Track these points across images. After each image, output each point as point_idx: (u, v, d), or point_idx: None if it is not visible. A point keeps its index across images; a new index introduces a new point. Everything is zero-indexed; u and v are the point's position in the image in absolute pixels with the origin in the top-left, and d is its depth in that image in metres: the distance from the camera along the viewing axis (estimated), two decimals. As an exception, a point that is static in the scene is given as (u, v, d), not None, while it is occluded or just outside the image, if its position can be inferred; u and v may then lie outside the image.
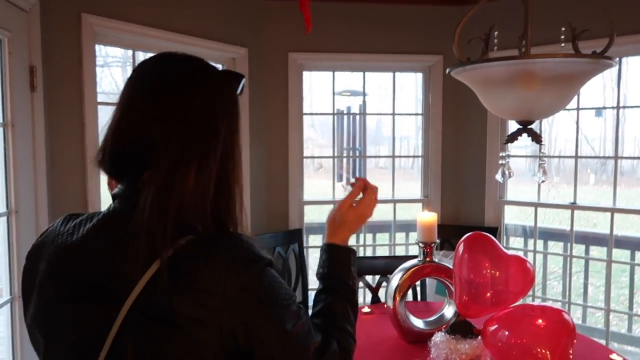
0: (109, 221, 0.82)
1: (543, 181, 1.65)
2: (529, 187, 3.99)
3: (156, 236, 0.73)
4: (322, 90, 4.01)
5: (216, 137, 0.81)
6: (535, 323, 1.61)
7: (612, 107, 3.12)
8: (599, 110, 9.50)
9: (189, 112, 0.80)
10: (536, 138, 1.35)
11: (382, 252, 4.09)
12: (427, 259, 1.95)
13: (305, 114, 3.43)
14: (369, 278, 2.67)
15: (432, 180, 3.55)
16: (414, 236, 4.13)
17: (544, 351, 1.52)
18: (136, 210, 0.76)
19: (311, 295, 3.58)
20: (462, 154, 3.54)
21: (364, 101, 3.67)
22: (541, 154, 1.75)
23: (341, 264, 1.00)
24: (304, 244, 3.43)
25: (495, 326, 1.66)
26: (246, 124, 3.17)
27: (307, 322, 0.85)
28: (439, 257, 2.03)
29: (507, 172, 1.44)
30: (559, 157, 11.26)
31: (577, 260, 3.46)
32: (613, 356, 1.79)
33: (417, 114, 3.62)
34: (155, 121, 0.79)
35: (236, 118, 0.86)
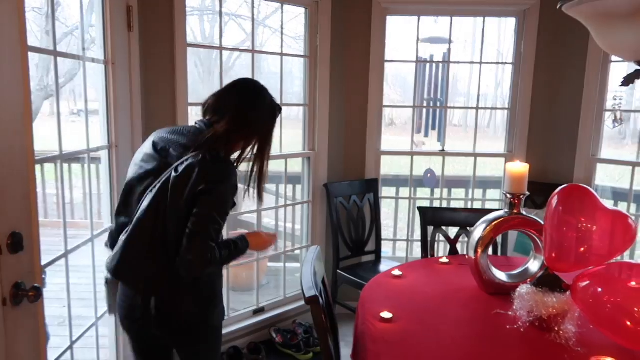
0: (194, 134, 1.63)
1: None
2: (619, 150, 3.67)
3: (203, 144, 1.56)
4: (402, 38, 3.84)
5: (253, 129, 1.67)
6: (632, 282, 1.51)
7: None
8: None
9: (247, 111, 1.66)
10: (657, 81, 1.21)
11: (458, 206, 3.99)
12: (515, 211, 1.88)
13: (387, 61, 3.33)
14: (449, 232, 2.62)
15: (518, 134, 3.36)
16: (491, 193, 4.01)
17: (640, 310, 1.43)
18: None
19: (387, 244, 3.62)
20: (553, 106, 3.31)
21: (449, 49, 3.48)
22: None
23: (240, 244, 1.65)
24: (379, 194, 3.42)
25: (588, 282, 1.58)
26: (327, 70, 3.14)
27: (219, 227, 1.53)
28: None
29: (619, 117, 1.32)
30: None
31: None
32: None
33: (505, 63, 3.39)
34: (228, 107, 1.65)
35: (271, 128, 1.73)
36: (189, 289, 1.56)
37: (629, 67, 3.24)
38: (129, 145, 2.20)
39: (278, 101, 1.76)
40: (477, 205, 3.70)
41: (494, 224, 1.87)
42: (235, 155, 1.66)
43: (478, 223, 1.94)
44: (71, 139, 1.86)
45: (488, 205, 3.77)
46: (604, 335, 1.52)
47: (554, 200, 1.64)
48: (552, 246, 1.63)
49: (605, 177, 3.43)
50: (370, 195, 3.34)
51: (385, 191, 4.07)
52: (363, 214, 3.30)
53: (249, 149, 1.67)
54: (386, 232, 5.16)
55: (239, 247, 1.61)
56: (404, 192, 3.94)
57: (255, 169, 1.69)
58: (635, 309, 1.44)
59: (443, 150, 3.49)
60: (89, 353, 2.13)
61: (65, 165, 5.05)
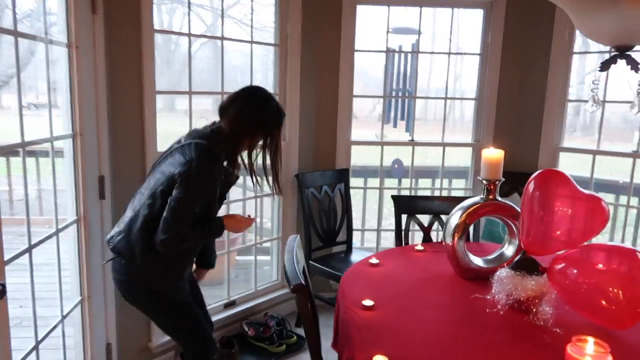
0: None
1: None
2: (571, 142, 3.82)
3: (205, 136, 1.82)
4: (371, 28, 3.84)
5: (256, 128, 1.87)
6: (605, 262, 1.56)
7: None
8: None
9: (255, 114, 1.86)
10: (635, 65, 1.25)
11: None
12: (490, 197, 1.90)
13: (357, 50, 3.31)
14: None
15: (485, 124, 3.43)
16: (456, 183, 4.08)
17: (615, 290, 1.48)
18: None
19: (355, 234, 3.62)
20: (519, 96, 3.39)
21: (418, 40, 3.50)
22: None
23: (214, 225, 1.84)
24: (350, 184, 3.41)
25: (563, 264, 1.62)
26: (297, 59, 3.09)
27: (193, 212, 1.71)
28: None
29: (597, 100, 1.34)
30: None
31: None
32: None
33: (473, 54, 3.44)
34: (237, 110, 1.85)
35: (278, 130, 1.91)
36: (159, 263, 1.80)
37: (591, 59, 3.35)
38: (94, 134, 2.10)
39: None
40: (444, 194, 3.75)
41: (470, 210, 1.89)
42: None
43: (454, 210, 1.95)
44: (26, 131, 1.74)
45: (454, 195, 3.83)
46: (579, 316, 1.56)
47: (531, 186, 1.67)
48: (529, 230, 1.66)
49: (574, 165, 3.54)
50: (341, 185, 3.33)
51: (354, 182, 4.07)
52: (334, 205, 3.29)
53: (256, 147, 1.88)
54: (355, 222, 5.17)
55: (212, 228, 1.82)
56: (372, 182, 3.96)
57: (267, 163, 1.91)
58: (610, 289, 1.48)
59: (412, 140, 3.52)
60: (53, 354, 2.02)
61: (16, 159, 4.84)
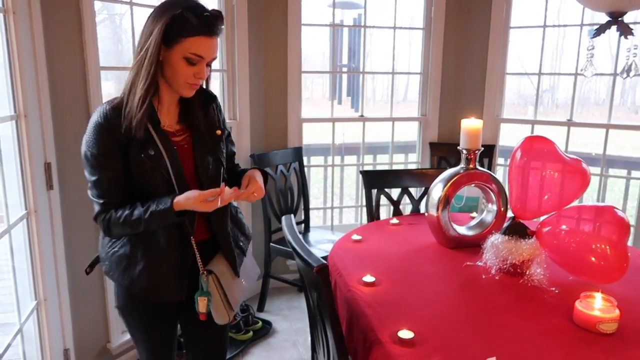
0: None
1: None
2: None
3: None
4: (316, 3, 3.73)
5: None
6: (590, 221, 1.64)
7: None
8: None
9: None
10: (627, 31, 1.29)
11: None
12: (471, 166, 1.93)
13: (305, 24, 3.21)
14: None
15: (431, 98, 3.50)
16: (412, 157, 4.15)
17: (602, 246, 1.56)
18: None
19: (312, 213, 3.55)
20: (462, 70, 3.50)
21: (365, 13, 3.46)
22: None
23: (158, 203, 1.35)
24: (303, 163, 3.33)
25: (550, 227, 1.69)
26: (245, 32, 2.93)
27: (93, 188, 1.35)
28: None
29: (593, 66, 1.39)
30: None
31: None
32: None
33: (417, 28, 3.48)
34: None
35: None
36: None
37: (526, 33, 3.53)
38: (37, 116, 1.83)
39: None
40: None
41: (453, 180, 1.91)
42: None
43: (436, 181, 1.96)
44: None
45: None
46: (566, 274, 1.64)
47: (518, 153, 1.71)
48: (518, 195, 1.70)
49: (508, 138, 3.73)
50: (296, 164, 3.24)
51: (313, 160, 4.00)
52: (291, 184, 3.20)
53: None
54: (316, 201, 5.12)
55: (150, 207, 1.32)
56: (329, 161, 3.91)
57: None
58: (597, 246, 1.56)
59: (362, 116, 3.51)
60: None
61: None
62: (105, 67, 2.20)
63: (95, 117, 1.33)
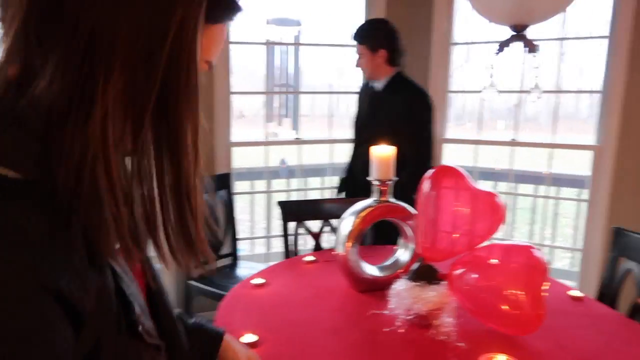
0: None
1: (539, 97, 1.43)
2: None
3: None
4: (249, 20, 3.55)
5: None
6: (504, 263, 1.45)
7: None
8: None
9: None
10: (531, 46, 1.12)
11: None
12: (383, 198, 1.72)
13: (233, 42, 3.01)
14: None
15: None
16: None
17: (517, 292, 1.37)
18: None
19: (241, 245, 3.31)
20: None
21: (300, 32, 3.29)
22: (536, 67, 1.51)
23: None
24: (232, 190, 3.10)
25: (462, 270, 1.48)
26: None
27: None
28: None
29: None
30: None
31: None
32: (571, 292, 1.72)
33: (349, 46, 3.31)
34: None
35: None
36: None
37: (468, 49, 3.40)
38: None
39: None
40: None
41: (362, 214, 1.69)
42: None
43: (345, 215, 1.74)
44: None
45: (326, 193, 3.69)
46: (481, 325, 1.43)
47: (426, 185, 1.51)
48: (427, 234, 1.50)
49: (459, 156, 3.60)
50: (223, 192, 3.00)
51: (239, 186, 3.77)
52: (216, 215, 2.94)
53: None
54: (242, 228, 4.87)
55: None
56: (259, 185, 3.68)
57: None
58: (511, 292, 1.36)
59: (298, 138, 3.30)
60: None
61: None
62: None
63: None
